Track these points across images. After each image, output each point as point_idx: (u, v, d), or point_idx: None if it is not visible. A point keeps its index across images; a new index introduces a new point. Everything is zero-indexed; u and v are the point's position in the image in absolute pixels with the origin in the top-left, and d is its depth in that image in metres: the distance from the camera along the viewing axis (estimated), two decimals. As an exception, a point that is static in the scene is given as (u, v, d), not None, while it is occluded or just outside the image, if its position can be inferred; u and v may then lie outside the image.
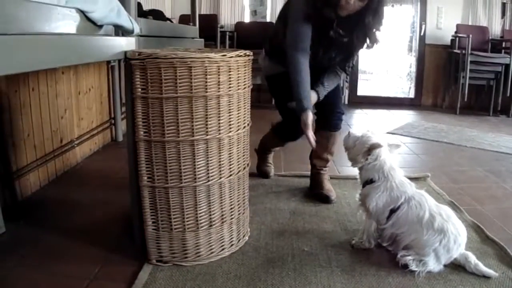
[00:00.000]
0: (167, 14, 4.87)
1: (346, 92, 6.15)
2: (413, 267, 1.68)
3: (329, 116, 2.39)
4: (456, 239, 1.68)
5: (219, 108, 1.64)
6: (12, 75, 2.16)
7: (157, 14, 3.52)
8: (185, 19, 4.66)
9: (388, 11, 6.56)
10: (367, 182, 1.87)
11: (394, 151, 1.90)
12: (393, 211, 1.79)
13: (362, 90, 6.58)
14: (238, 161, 1.80)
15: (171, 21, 4.09)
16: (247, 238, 1.95)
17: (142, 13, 3.12)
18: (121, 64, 3.40)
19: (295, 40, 2.09)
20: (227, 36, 5.65)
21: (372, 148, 1.83)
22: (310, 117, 2.05)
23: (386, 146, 1.86)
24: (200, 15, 3.28)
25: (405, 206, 1.77)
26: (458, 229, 1.70)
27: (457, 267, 1.73)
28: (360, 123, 4.97)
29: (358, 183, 1.95)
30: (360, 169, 1.91)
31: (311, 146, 2.08)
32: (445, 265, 1.72)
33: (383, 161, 1.84)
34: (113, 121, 3.61)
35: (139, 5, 3.10)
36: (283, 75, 2.22)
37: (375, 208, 1.81)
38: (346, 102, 6.20)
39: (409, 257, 1.71)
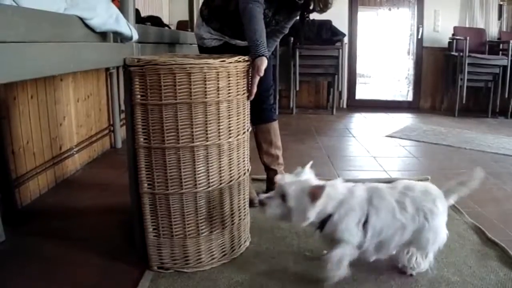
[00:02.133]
0: (165, 20, 4.88)
1: (344, 96, 6.17)
2: (411, 267, 1.66)
3: (260, 112, 2.32)
4: (432, 211, 1.58)
5: (218, 114, 1.64)
6: (11, 83, 2.16)
7: (155, 21, 3.54)
8: (183, 25, 4.67)
9: (385, 14, 6.62)
10: (325, 220, 1.57)
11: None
12: (365, 223, 1.57)
13: (361, 93, 6.60)
14: (238, 167, 1.80)
15: (169, 27, 4.10)
16: (248, 243, 1.95)
17: (140, 20, 3.14)
18: (120, 70, 3.41)
19: None
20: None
21: (315, 194, 1.48)
22: (265, 64, 1.83)
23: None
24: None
25: (372, 210, 1.57)
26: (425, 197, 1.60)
27: (459, 270, 1.73)
28: (359, 127, 4.97)
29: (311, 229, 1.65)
30: None
31: (251, 94, 1.83)
32: (447, 268, 1.72)
33: (328, 192, 1.50)
34: (112, 128, 3.61)
35: (137, 11, 3.12)
36: (223, 47, 2.14)
37: (350, 236, 1.56)
38: (345, 106, 6.21)
39: (407, 257, 1.66)
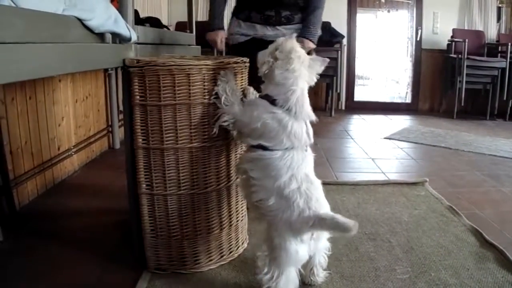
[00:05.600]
0: (164, 21, 4.88)
1: (343, 97, 6.17)
2: None
3: None
4: None
5: (217, 115, 1.63)
6: (9, 83, 2.16)
7: (154, 22, 3.54)
8: (182, 26, 4.67)
9: (384, 16, 6.63)
10: None
11: None
12: None
13: (359, 95, 6.60)
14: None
15: (168, 29, 4.10)
16: (246, 245, 1.94)
17: (139, 21, 3.13)
18: (118, 71, 3.40)
19: None
20: (224, 43, 5.64)
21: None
22: (220, 35, 2.23)
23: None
24: (196, 22, 3.27)
25: None
26: None
27: (457, 272, 1.73)
28: (357, 128, 4.98)
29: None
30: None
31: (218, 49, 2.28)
32: (444, 270, 1.72)
33: None
34: (110, 129, 3.61)
35: (136, 12, 3.12)
36: (250, 44, 2.19)
37: None
38: (343, 107, 6.21)
39: None
